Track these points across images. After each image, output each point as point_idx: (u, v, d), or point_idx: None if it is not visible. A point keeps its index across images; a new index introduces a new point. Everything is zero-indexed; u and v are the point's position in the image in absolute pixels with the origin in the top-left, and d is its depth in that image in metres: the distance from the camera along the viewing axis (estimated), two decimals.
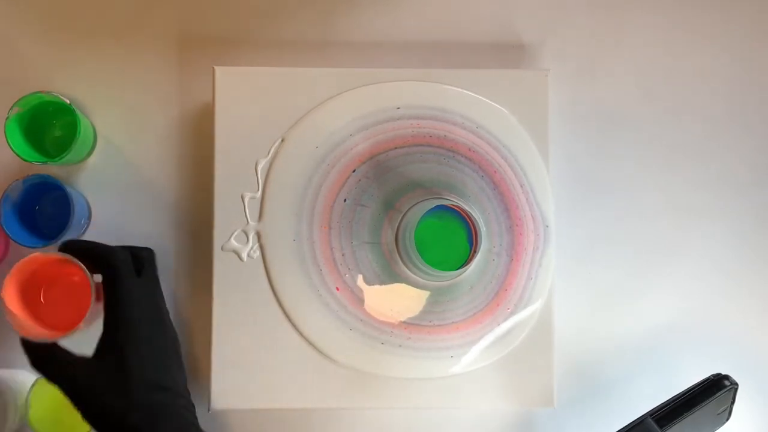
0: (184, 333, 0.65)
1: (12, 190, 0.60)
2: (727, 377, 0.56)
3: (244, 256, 0.60)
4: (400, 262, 0.61)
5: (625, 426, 0.54)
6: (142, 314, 0.52)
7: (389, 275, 0.61)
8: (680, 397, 0.55)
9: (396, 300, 0.61)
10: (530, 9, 0.68)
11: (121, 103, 0.66)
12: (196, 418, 0.54)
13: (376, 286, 0.61)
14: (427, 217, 0.58)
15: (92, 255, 0.53)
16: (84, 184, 0.65)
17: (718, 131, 0.68)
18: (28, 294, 0.55)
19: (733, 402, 0.57)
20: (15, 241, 0.60)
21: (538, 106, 0.62)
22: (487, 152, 0.62)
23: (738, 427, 0.63)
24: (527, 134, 0.62)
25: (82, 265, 0.53)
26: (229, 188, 0.61)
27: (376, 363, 0.60)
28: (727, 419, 0.59)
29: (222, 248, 0.60)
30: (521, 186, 0.62)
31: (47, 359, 0.51)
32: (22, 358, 0.64)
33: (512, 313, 0.61)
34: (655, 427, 0.54)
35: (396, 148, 0.61)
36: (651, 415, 0.54)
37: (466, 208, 0.57)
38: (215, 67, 0.61)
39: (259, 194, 0.61)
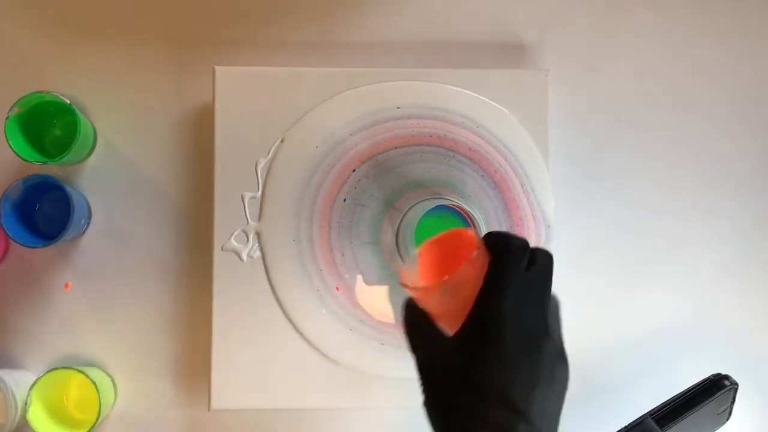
0: (184, 333, 0.65)
1: (12, 190, 0.60)
2: (727, 377, 0.55)
3: (244, 256, 0.60)
4: (401, 262, 0.61)
5: (625, 426, 0.54)
6: (515, 311, 0.42)
7: (389, 275, 0.61)
8: (680, 397, 0.55)
9: (396, 300, 0.61)
10: (530, 9, 0.68)
11: (121, 103, 0.66)
12: None
13: (376, 287, 0.61)
14: (427, 217, 0.58)
15: (491, 238, 0.46)
16: (84, 184, 0.65)
17: (717, 131, 0.68)
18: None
19: (733, 402, 0.57)
20: (15, 241, 0.60)
21: (538, 105, 0.62)
22: (487, 152, 0.61)
23: (738, 427, 0.63)
24: (527, 134, 0.62)
25: (475, 232, 0.47)
26: (229, 188, 0.61)
27: (376, 363, 0.60)
28: (728, 419, 0.59)
29: (222, 248, 0.60)
30: (522, 186, 0.62)
31: (422, 330, 0.45)
32: (22, 358, 0.64)
33: None
34: (656, 427, 0.54)
35: (396, 147, 0.61)
36: (651, 415, 0.54)
37: (467, 207, 0.57)
38: (215, 67, 0.61)
39: (259, 194, 0.61)
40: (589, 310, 0.66)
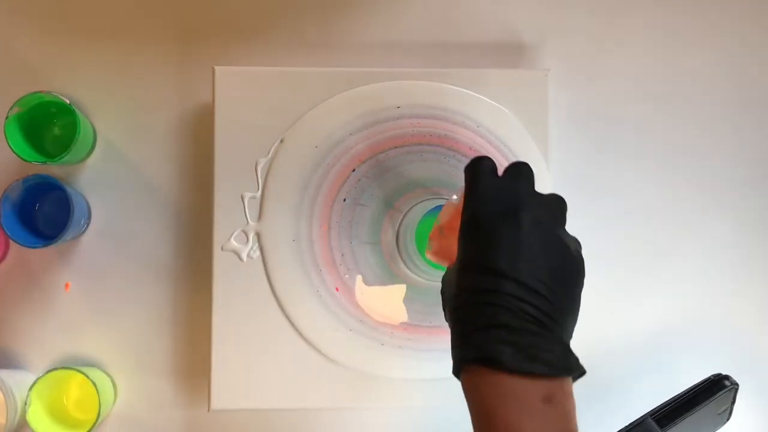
0: (184, 333, 0.65)
1: (12, 190, 0.60)
2: (727, 377, 0.55)
3: (244, 256, 0.60)
4: (401, 262, 0.61)
5: (626, 426, 0.54)
6: (487, 197, 0.45)
7: (389, 275, 0.61)
8: (681, 397, 0.55)
9: (396, 301, 0.61)
10: (530, 9, 0.68)
11: (121, 103, 0.66)
12: (529, 312, 0.42)
13: (376, 287, 0.61)
14: (427, 217, 0.58)
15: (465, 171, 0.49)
16: (84, 184, 0.65)
17: (717, 131, 0.68)
18: None
19: (733, 402, 0.57)
20: (15, 241, 0.60)
21: (538, 105, 0.62)
22: (488, 151, 0.61)
23: (738, 428, 0.63)
24: (528, 133, 0.62)
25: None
26: (229, 188, 0.61)
27: (376, 364, 0.60)
28: (728, 419, 0.59)
29: (222, 248, 0.60)
30: None
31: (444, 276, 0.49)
32: (22, 358, 0.64)
33: None
34: (656, 427, 0.54)
35: (396, 147, 0.61)
36: (651, 416, 0.54)
37: None
38: (215, 67, 0.61)
39: (258, 194, 0.61)
40: (588, 310, 0.65)
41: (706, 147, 0.68)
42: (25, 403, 0.59)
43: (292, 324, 0.60)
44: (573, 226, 0.66)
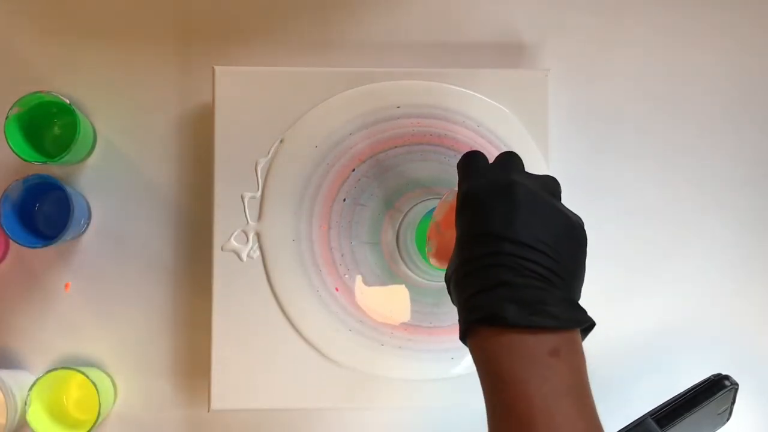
0: (184, 333, 0.65)
1: (12, 190, 0.60)
2: (727, 377, 0.55)
3: (244, 256, 0.60)
4: (401, 262, 0.61)
5: (625, 426, 0.54)
6: (479, 180, 0.45)
7: (389, 276, 0.61)
8: (681, 397, 0.55)
9: (396, 301, 0.61)
10: (530, 9, 0.68)
11: (121, 103, 0.66)
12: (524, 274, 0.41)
13: (376, 287, 0.61)
14: (428, 217, 0.58)
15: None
16: (84, 184, 0.65)
17: (717, 131, 0.68)
18: None
19: (733, 402, 0.57)
20: (15, 241, 0.60)
21: (538, 105, 0.62)
22: (488, 151, 0.61)
23: (738, 428, 0.63)
24: (528, 133, 0.62)
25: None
26: (229, 188, 0.60)
27: (376, 364, 0.60)
28: (728, 419, 0.59)
29: (222, 248, 0.60)
30: None
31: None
32: (22, 358, 0.64)
33: None
34: (656, 427, 0.53)
35: (396, 147, 0.61)
36: (651, 416, 0.54)
37: None
38: (215, 67, 0.61)
39: (258, 194, 0.61)
40: (588, 310, 0.65)
41: (706, 147, 0.68)
42: (25, 403, 0.59)
43: (292, 324, 0.60)
44: None
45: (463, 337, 0.42)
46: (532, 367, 0.38)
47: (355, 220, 0.61)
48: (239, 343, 0.60)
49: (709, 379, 0.56)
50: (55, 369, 0.60)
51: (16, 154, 0.60)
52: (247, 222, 0.60)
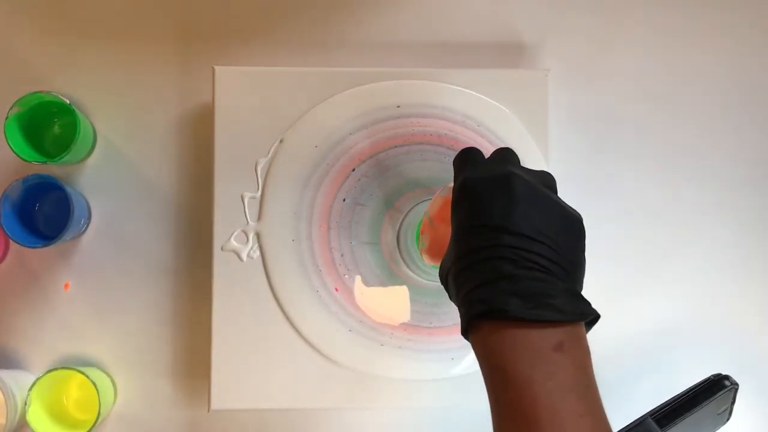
0: (184, 333, 0.65)
1: (12, 190, 0.60)
2: (727, 377, 0.55)
3: (244, 256, 0.60)
4: (401, 262, 0.61)
5: (625, 426, 0.54)
6: (475, 174, 0.44)
7: (389, 276, 0.61)
8: (681, 397, 0.55)
9: (395, 302, 0.61)
10: (530, 9, 0.68)
11: (121, 103, 0.66)
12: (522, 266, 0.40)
13: (375, 288, 0.61)
14: None
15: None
16: (84, 184, 0.65)
17: (717, 131, 0.68)
18: None
19: (733, 402, 0.57)
20: (15, 241, 0.60)
21: (538, 105, 0.62)
22: (488, 151, 0.61)
23: (738, 428, 0.63)
24: (528, 133, 0.62)
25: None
26: (229, 188, 0.60)
27: (375, 364, 0.60)
28: (728, 419, 0.59)
29: (222, 248, 0.60)
30: None
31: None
32: (22, 358, 0.64)
33: None
34: (656, 427, 0.53)
35: (396, 146, 0.61)
36: (651, 416, 0.54)
37: None
38: (215, 67, 0.61)
39: (258, 194, 0.61)
40: None
41: (706, 147, 0.68)
42: (25, 403, 0.59)
43: (292, 324, 0.60)
44: None
45: (465, 333, 0.41)
46: (536, 363, 0.37)
47: (355, 220, 0.61)
48: (239, 343, 0.60)
49: (709, 379, 0.56)
50: (55, 369, 0.60)
51: (16, 154, 0.60)
52: (247, 222, 0.60)
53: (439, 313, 0.61)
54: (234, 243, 0.60)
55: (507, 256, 0.39)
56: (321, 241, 0.60)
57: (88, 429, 0.59)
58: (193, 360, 0.64)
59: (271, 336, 0.60)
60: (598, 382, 0.40)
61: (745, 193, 0.68)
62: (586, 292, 0.44)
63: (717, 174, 0.68)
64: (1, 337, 0.64)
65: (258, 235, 0.60)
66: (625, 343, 0.66)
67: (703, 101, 0.68)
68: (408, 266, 0.60)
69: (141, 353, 0.64)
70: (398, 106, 0.61)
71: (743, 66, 0.68)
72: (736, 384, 0.55)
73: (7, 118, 0.60)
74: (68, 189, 0.60)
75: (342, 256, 0.60)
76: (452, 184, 0.47)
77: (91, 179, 0.65)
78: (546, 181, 0.45)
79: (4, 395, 0.59)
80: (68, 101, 0.60)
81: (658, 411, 0.54)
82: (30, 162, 0.61)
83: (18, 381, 0.61)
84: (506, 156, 0.47)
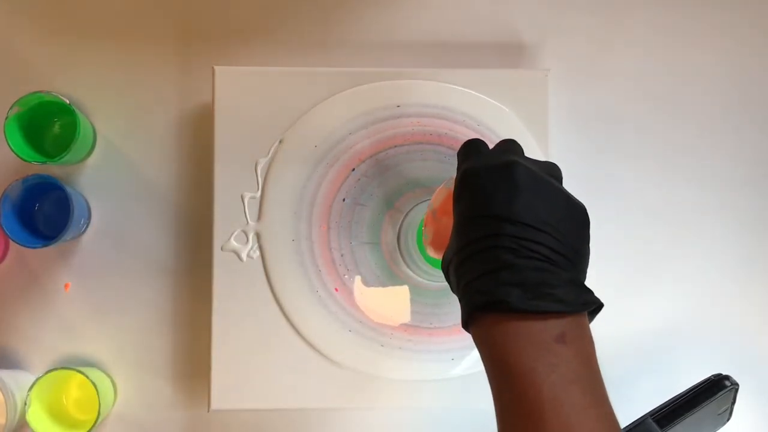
0: (184, 333, 0.65)
1: (11, 190, 0.60)
2: (727, 377, 0.55)
3: (244, 256, 0.60)
4: (402, 262, 0.61)
5: (626, 426, 0.54)
6: (478, 164, 0.43)
7: (389, 276, 0.61)
8: (681, 397, 0.55)
9: (395, 302, 0.61)
10: (530, 9, 0.67)
11: (121, 103, 0.66)
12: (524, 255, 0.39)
13: (375, 288, 0.61)
14: None
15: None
16: (83, 184, 0.65)
17: (717, 131, 0.68)
18: None
19: (733, 402, 0.57)
20: (14, 241, 0.60)
21: (538, 106, 0.62)
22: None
23: (739, 428, 0.63)
24: (528, 133, 0.62)
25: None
26: (229, 188, 0.60)
27: (375, 365, 0.60)
28: (728, 420, 0.59)
29: (222, 248, 0.60)
30: None
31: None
32: (22, 358, 0.64)
33: None
34: (656, 427, 0.53)
35: (396, 146, 0.61)
36: (651, 416, 0.54)
37: None
38: (215, 67, 0.61)
39: (258, 194, 0.61)
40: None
41: (706, 147, 0.68)
42: (25, 404, 0.59)
43: (292, 324, 0.60)
44: None
45: (466, 325, 0.41)
46: (539, 355, 0.37)
47: (355, 220, 0.61)
48: (239, 343, 0.60)
49: (709, 379, 0.56)
50: (55, 369, 0.60)
51: (15, 154, 0.60)
52: (247, 222, 0.60)
53: (440, 314, 0.61)
54: (234, 243, 0.60)
55: (508, 245, 0.39)
56: (321, 241, 0.60)
57: (87, 429, 0.59)
58: (193, 360, 0.64)
59: (270, 336, 0.60)
60: None
61: (745, 193, 0.68)
62: None
63: (717, 174, 0.68)
64: (1, 337, 0.64)
65: (258, 235, 0.60)
66: (625, 343, 0.66)
67: (703, 101, 0.68)
68: (408, 266, 0.60)
69: (141, 353, 0.64)
70: (398, 106, 0.61)
71: (743, 66, 0.68)
72: (737, 384, 0.55)
73: (7, 118, 0.60)
74: (68, 189, 0.60)
75: (342, 256, 0.60)
76: (456, 176, 0.46)
77: (91, 179, 0.65)
78: (551, 170, 0.45)
79: (3, 395, 0.59)
80: (68, 101, 0.60)
81: (658, 411, 0.54)
82: (30, 162, 0.61)
83: (18, 381, 0.61)
84: (510, 146, 0.46)
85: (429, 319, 0.61)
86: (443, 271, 0.45)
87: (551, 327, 0.37)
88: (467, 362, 0.61)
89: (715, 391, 0.55)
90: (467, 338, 0.60)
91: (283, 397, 0.60)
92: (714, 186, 0.68)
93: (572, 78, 0.67)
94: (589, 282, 0.44)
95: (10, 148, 0.60)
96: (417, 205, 0.60)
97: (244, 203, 0.61)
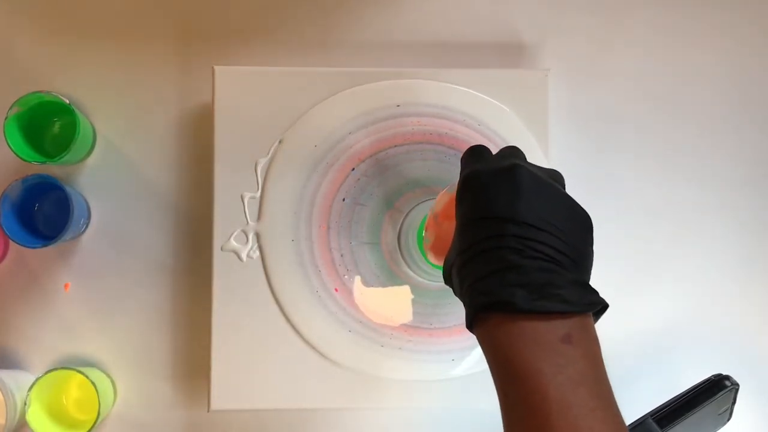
0: (183, 333, 0.65)
1: (11, 190, 0.60)
2: (727, 377, 0.55)
3: (244, 256, 0.60)
4: (402, 262, 0.61)
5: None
6: (481, 167, 0.44)
7: (388, 276, 0.61)
8: (681, 397, 0.55)
9: (395, 303, 0.61)
10: (530, 9, 0.68)
11: (121, 103, 0.66)
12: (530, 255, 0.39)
13: (375, 288, 0.61)
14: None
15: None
16: (83, 184, 0.65)
17: (717, 131, 0.68)
18: None
19: (734, 402, 0.57)
20: (14, 241, 0.60)
21: (538, 105, 0.62)
22: (491, 150, 0.61)
23: (739, 428, 0.63)
24: (528, 133, 0.62)
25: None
26: (229, 188, 0.60)
27: (375, 365, 0.60)
28: (728, 420, 0.59)
29: (222, 248, 0.60)
30: None
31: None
32: (22, 358, 0.64)
33: None
34: (656, 427, 0.53)
35: (396, 146, 0.61)
36: (652, 416, 0.54)
37: None
38: (215, 67, 0.61)
39: (258, 194, 0.61)
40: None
41: (706, 147, 0.68)
42: (25, 404, 0.59)
43: (292, 324, 0.60)
44: None
45: (469, 325, 0.41)
46: (545, 356, 0.37)
47: (355, 219, 0.60)
48: (239, 343, 0.60)
49: (709, 379, 0.56)
50: (55, 369, 0.60)
51: (15, 154, 0.60)
52: (247, 222, 0.60)
53: (440, 314, 0.61)
54: (234, 243, 0.60)
55: (512, 246, 0.39)
56: (321, 241, 0.60)
57: (87, 429, 0.59)
58: (192, 360, 0.64)
59: (270, 336, 0.60)
60: None
61: (745, 193, 0.68)
62: None
63: (717, 174, 0.68)
64: (1, 337, 0.64)
65: (258, 235, 0.60)
66: (625, 343, 0.66)
67: (703, 101, 0.68)
68: (409, 266, 0.60)
69: (140, 353, 0.64)
70: (398, 106, 0.61)
71: (743, 66, 0.68)
72: (737, 384, 0.55)
73: (6, 118, 0.60)
74: (68, 189, 0.60)
75: (342, 256, 0.60)
76: (458, 181, 0.47)
77: (90, 179, 0.65)
78: (554, 176, 0.45)
79: (3, 395, 0.59)
80: (68, 101, 0.60)
81: (658, 411, 0.54)
82: (29, 162, 0.61)
83: (18, 381, 0.61)
84: (513, 152, 0.47)
85: (429, 319, 0.61)
86: (445, 275, 0.45)
87: (557, 327, 0.37)
88: (468, 363, 0.61)
89: (716, 391, 0.55)
90: (467, 339, 0.61)
91: (283, 397, 0.60)
92: (714, 186, 0.68)
93: (572, 78, 0.67)
94: (590, 282, 0.44)
95: (10, 148, 0.60)
96: (418, 204, 0.60)
97: (244, 203, 0.61)
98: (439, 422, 0.65)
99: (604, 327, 0.66)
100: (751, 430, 0.66)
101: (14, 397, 0.59)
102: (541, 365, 0.36)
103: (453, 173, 0.61)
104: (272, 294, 0.60)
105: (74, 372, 0.59)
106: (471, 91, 0.62)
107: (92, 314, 0.64)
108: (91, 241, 0.65)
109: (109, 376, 0.64)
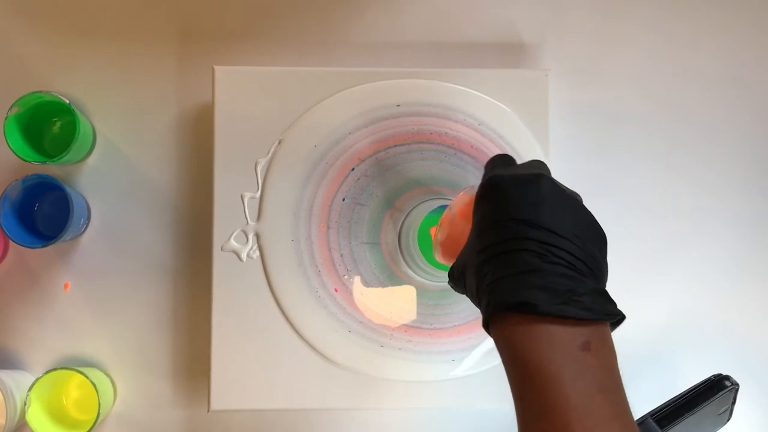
0: (183, 333, 0.65)
1: (11, 190, 0.60)
2: (727, 378, 0.55)
3: (244, 256, 0.60)
4: (402, 262, 0.61)
5: None
6: (503, 173, 0.44)
7: (388, 276, 0.61)
8: (681, 397, 0.55)
9: (395, 303, 0.61)
10: (530, 9, 0.68)
11: (121, 102, 0.66)
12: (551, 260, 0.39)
13: (374, 288, 0.61)
14: (431, 216, 0.58)
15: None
16: (83, 184, 0.65)
17: (717, 131, 0.68)
18: None
19: (734, 402, 0.57)
20: (14, 241, 0.60)
21: (538, 105, 0.62)
22: (489, 149, 0.61)
23: (739, 428, 0.63)
24: (529, 132, 0.62)
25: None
26: (229, 188, 0.60)
27: (375, 365, 0.60)
28: (728, 420, 0.59)
29: (221, 248, 0.60)
30: None
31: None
32: (22, 358, 0.64)
33: None
34: (656, 427, 0.53)
35: (396, 145, 0.61)
36: (652, 416, 0.54)
37: None
38: (215, 67, 0.61)
39: (258, 194, 0.61)
40: None
41: (705, 146, 0.68)
42: (25, 404, 0.59)
43: (292, 324, 0.60)
44: None
45: (486, 324, 0.41)
46: (565, 361, 0.36)
47: (355, 219, 0.60)
48: (239, 343, 0.60)
49: (709, 379, 0.56)
50: (55, 369, 0.60)
51: (15, 154, 0.60)
52: (247, 222, 0.60)
53: (440, 315, 0.61)
54: (234, 243, 0.60)
55: (534, 249, 0.39)
56: (320, 241, 0.60)
57: (87, 429, 0.59)
58: (192, 360, 0.64)
59: (270, 336, 0.60)
60: None
61: (745, 193, 0.68)
62: None
63: (717, 173, 0.68)
64: (1, 337, 0.64)
65: (258, 236, 0.60)
66: (625, 343, 0.65)
67: (703, 101, 0.68)
68: (409, 266, 0.60)
69: (140, 353, 0.64)
70: (398, 105, 0.61)
71: (743, 66, 0.68)
72: (737, 384, 0.55)
73: (6, 118, 0.60)
74: (68, 189, 0.60)
75: (341, 256, 0.60)
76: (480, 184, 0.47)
77: (90, 179, 0.65)
78: (573, 194, 0.45)
79: (3, 395, 0.59)
80: (68, 101, 0.60)
81: (658, 411, 0.54)
82: (29, 162, 0.61)
83: (18, 381, 0.61)
84: (538, 164, 0.47)
85: (429, 320, 0.61)
86: (453, 274, 0.45)
87: (576, 334, 0.37)
88: (468, 363, 0.61)
89: (716, 391, 0.55)
90: (467, 339, 0.61)
91: (282, 398, 0.60)
92: (714, 186, 0.68)
93: (572, 78, 0.67)
94: None
95: (10, 148, 0.60)
96: (418, 204, 0.60)
97: (243, 203, 0.61)
98: (439, 422, 0.65)
99: None
100: (751, 430, 0.66)
101: (14, 397, 0.59)
102: (560, 370, 0.36)
103: (453, 173, 0.61)
104: (272, 294, 0.60)
105: (74, 372, 0.59)
106: (471, 91, 0.62)
107: (92, 314, 0.64)
108: (90, 241, 0.65)
109: (108, 376, 0.64)
